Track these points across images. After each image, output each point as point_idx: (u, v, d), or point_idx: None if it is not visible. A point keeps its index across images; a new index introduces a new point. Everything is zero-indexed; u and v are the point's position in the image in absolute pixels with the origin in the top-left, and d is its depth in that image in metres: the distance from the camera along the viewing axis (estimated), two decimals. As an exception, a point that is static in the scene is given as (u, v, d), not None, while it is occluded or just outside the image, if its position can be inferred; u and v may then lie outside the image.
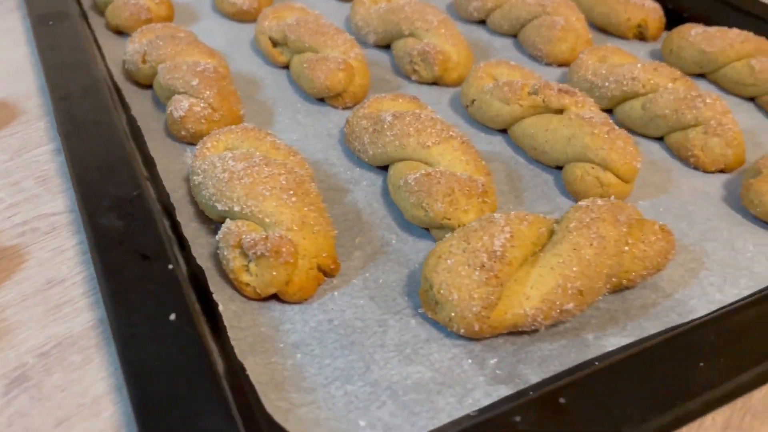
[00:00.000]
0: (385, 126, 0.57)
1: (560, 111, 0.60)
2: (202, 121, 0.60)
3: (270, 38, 0.74)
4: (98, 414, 0.40)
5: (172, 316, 0.38)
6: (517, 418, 0.34)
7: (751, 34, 0.73)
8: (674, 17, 0.85)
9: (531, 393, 0.38)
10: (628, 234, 0.46)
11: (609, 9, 0.83)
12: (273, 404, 0.39)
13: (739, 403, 0.43)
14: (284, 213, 0.46)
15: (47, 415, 0.40)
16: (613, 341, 0.44)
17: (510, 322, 0.43)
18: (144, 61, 0.66)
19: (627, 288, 0.48)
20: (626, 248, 0.45)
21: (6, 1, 0.85)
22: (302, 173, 0.50)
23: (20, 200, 0.56)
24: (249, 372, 0.40)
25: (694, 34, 0.74)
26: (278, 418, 0.38)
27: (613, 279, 0.45)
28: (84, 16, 0.78)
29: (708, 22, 0.79)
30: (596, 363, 0.41)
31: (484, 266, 0.42)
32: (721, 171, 0.61)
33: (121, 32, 0.78)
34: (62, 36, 0.67)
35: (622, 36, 0.83)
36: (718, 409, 0.42)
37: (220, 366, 0.39)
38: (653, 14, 0.82)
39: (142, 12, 0.77)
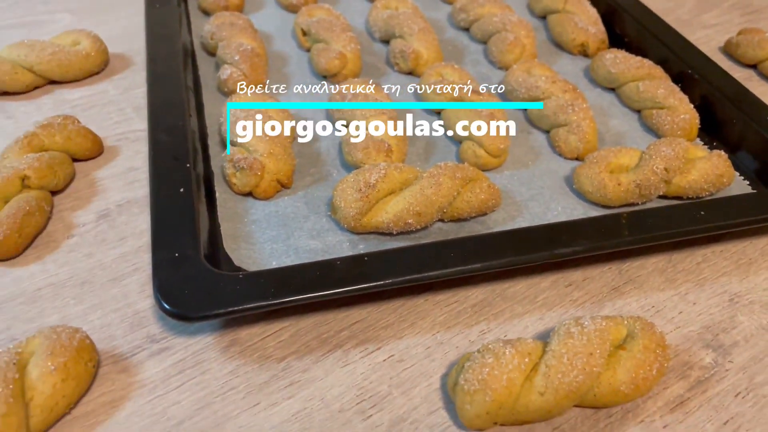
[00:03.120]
0: (347, 99, 0.87)
1: (471, 104, 0.88)
2: (237, 83, 0.92)
3: (301, 29, 1.05)
4: (141, 237, 0.74)
5: (182, 189, 0.71)
6: (338, 262, 0.65)
7: (647, 62, 0.96)
8: (618, 40, 1.09)
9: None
10: (460, 185, 0.75)
11: (562, 29, 1.08)
12: (228, 245, 0.72)
13: (497, 290, 0.71)
14: (260, 146, 0.78)
15: (115, 236, 0.75)
16: (437, 246, 0.74)
17: (373, 225, 0.73)
18: (212, 39, 1.00)
19: (462, 220, 0.77)
20: (455, 194, 0.74)
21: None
22: (279, 123, 0.82)
23: (121, 120, 0.91)
24: (221, 228, 0.73)
25: (608, 57, 0.99)
26: (228, 250, 0.70)
27: (445, 211, 0.74)
28: (184, 1, 1.13)
29: (639, 45, 1.04)
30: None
31: (360, 190, 0.73)
32: (577, 159, 0.87)
33: (207, 13, 1.12)
34: (162, 15, 1.01)
35: (570, 52, 1.08)
36: (481, 290, 0.71)
37: (205, 220, 0.72)
38: (593, 37, 1.06)
39: (221, 1, 1.10)
